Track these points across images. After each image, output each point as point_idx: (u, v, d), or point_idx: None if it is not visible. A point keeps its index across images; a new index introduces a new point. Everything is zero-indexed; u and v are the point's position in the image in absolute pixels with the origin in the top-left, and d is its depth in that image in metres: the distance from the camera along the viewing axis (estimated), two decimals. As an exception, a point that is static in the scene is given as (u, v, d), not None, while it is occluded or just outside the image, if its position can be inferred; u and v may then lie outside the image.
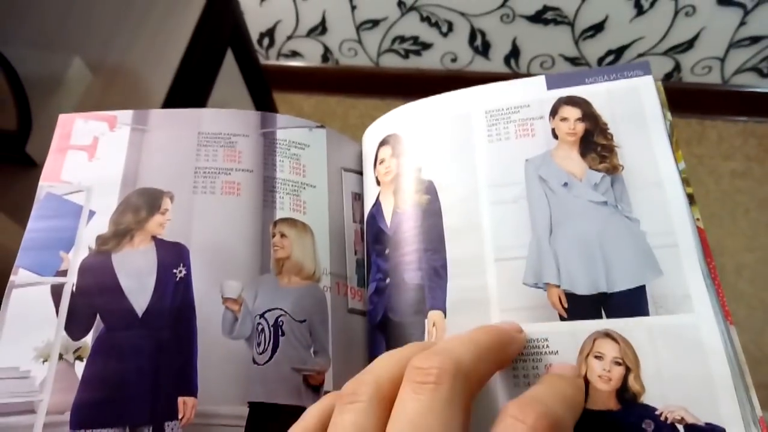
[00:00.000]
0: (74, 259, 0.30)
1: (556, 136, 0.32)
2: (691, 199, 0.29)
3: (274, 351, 0.30)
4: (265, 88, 1.03)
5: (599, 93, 0.32)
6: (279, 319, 0.30)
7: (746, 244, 1.34)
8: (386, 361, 0.23)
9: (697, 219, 0.29)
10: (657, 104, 0.31)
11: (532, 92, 0.33)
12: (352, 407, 0.21)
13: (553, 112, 0.32)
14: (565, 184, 0.30)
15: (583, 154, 0.31)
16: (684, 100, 1.47)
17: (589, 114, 0.32)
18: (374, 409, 0.21)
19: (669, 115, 0.32)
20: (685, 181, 0.30)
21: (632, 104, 0.32)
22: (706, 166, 1.45)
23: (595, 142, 0.31)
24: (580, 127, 0.32)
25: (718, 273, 0.28)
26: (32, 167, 0.59)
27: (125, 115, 0.35)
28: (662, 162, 0.30)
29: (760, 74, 1.41)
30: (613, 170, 0.30)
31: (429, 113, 0.34)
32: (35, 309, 0.29)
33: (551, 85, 0.33)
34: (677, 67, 1.41)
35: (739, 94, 1.46)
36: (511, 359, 0.27)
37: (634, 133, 0.31)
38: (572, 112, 0.32)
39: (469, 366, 0.22)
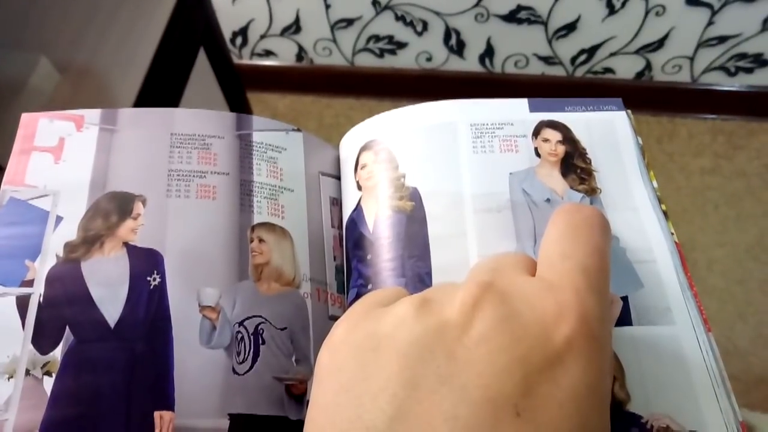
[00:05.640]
0: (41, 268, 0.29)
1: (538, 155, 0.33)
2: (665, 215, 0.31)
3: (254, 360, 0.29)
4: (239, 87, 1.02)
5: (578, 121, 0.34)
6: (259, 327, 0.29)
7: (716, 240, 1.37)
8: None
9: (672, 233, 0.30)
10: (630, 137, 0.33)
11: (515, 113, 0.34)
12: None
13: (536, 133, 0.34)
14: (548, 200, 0.31)
15: (564, 174, 0.32)
16: (655, 98, 1.50)
17: (569, 138, 0.33)
18: None
19: (639, 139, 0.34)
20: (659, 199, 0.31)
21: (608, 135, 0.33)
22: (676, 163, 1.48)
23: (575, 164, 0.33)
24: (561, 149, 0.33)
25: (692, 269, 0.29)
26: (-4, 171, 0.57)
27: (93, 115, 0.33)
28: (636, 190, 0.31)
29: (727, 73, 1.44)
30: (591, 192, 0.31)
31: (412, 121, 0.34)
32: None
33: (533, 108, 0.34)
34: (648, 66, 1.44)
35: (708, 92, 1.49)
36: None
37: (610, 161, 0.32)
38: (553, 135, 0.33)
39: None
